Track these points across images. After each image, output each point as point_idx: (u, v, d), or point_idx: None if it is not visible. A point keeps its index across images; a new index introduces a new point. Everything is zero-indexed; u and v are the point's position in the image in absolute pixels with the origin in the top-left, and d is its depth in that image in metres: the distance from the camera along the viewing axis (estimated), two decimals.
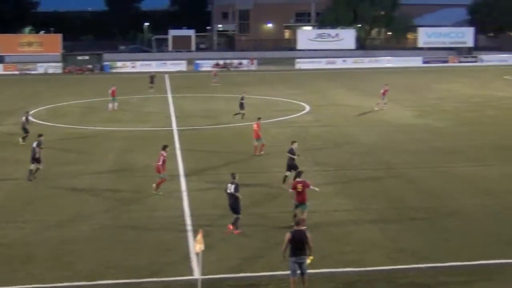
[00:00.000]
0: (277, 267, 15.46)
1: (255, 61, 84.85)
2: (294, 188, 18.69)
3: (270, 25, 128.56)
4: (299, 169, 20.29)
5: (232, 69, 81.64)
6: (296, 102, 47.23)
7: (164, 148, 23.11)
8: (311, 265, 14.74)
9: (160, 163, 22.52)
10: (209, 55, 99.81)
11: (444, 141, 32.00)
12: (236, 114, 38.95)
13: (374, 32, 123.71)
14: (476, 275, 15.40)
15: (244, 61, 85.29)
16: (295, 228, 14.62)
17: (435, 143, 31.63)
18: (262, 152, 28.99)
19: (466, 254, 16.62)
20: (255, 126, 29.18)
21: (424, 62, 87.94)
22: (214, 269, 15.71)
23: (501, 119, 39.06)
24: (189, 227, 18.96)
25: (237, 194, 18.40)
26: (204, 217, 19.90)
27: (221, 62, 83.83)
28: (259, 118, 30.20)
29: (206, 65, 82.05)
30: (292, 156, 23.55)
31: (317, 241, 16.61)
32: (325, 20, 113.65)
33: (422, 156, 28.54)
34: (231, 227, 18.47)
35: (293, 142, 24.11)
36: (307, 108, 44.21)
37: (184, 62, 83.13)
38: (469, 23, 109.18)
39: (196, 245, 14.85)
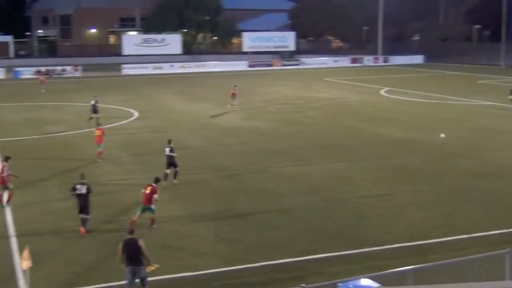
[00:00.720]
0: (112, 278, 15.14)
1: (79, 68, 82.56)
2: (145, 189, 19.13)
3: (93, 30, 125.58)
4: (157, 176, 20.38)
5: (55, 76, 78.79)
6: (125, 108, 46.57)
7: (6, 159, 22.22)
8: (149, 273, 14.60)
9: (5, 174, 21.51)
10: (30, 62, 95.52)
11: (270, 142, 33.10)
12: (90, 118, 38.25)
13: (200, 37, 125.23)
14: (306, 270, 16.07)
15: (68, 68, 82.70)
16: (127, 236, 14.42)
17: (262, 144, 32.64)
18: (99, 160, 28.55)
19: (295, 250, 17.30)
20: (98, 132, 29.03)
21: (250, 66, 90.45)
22: (43, 286, 15.05)
23: (322, 119, 41.13)
24: (14, 244, 18.02)
25: (89, 194, 18.87)
26: (30, 232, 19.01)
27: (43, 69, 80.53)
28: (99, 124, 30.61)
29: (27, 73, 78.47)
30: (172, 154, 24.64)
31: (152, 249, 16.48)
32: (150, 25, 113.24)
33: (250, 158, 29.31)
34: (84, 230, 18.56)
35: (169, 140, 25.11)
36: (136, 114, 43.77)
37: (2, 69, 78.90)
38: (291, 28, 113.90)
39: (22, 262, 14.16)
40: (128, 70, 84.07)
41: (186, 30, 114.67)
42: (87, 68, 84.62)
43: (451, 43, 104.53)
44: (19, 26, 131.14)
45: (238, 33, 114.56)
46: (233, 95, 45.54)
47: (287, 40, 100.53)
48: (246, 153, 30.42)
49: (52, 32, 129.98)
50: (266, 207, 21.39)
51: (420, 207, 21.25)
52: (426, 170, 26.42)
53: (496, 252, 13.34)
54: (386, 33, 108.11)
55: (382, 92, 56.58)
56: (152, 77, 77.26)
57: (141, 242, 14.30)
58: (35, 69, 79.98)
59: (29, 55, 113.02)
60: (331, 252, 17.09)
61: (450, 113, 42.66)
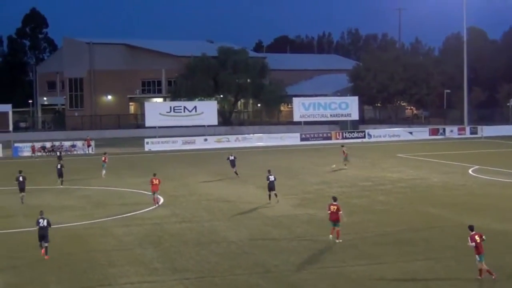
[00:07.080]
0: None
1: (92, 143, 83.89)
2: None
3: (109, 97, 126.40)
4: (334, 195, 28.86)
5: (62, 153, 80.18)
6: (147, 192, 46.85)
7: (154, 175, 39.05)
8: None
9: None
10: (32, 136, 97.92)
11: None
12: (235, 172, 54.05)
13: (240, 104, 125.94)
14: None
15: (78, 143, 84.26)
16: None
17: (320, 237, 32.28)
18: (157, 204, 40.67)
19: None
20: (156, 181, 41.75)
21: (302, 140, 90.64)
22: None
23: (395, 205, 40.67)
24: None
25: (49, 227, 29.16)
26: None
27: (48, 144, 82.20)
28: (155, 174, 42.53)
29: (29, 149, 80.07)
30: (274, 181, 40.92)
31: None
32: (179, 91, 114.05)
33: (305, 255, 28.99)
34: (44, 252, 28.33)
35: (269, 170, 41.81)
36: (161, 199, 44.00)
37: None
38: (352, 92, 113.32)
39: None
40: (152, 145, 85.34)
41: (222, 96, 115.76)
42: (101, 143, 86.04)
43: None
44: (19, 93, 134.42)
45: (287, 99, 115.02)
46: (345, 154, 58.93)
47: (349, 107, 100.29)
48: (299, 249, 30.13)
49: (59, 100, 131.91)
50: None
51: None
52: None
53: None
54: (473, 98, 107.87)
55: (470, 171, 56.02)
56: (181, 153, 78.07)
57: None
58: (38, 144, 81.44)
59: (31, 128, 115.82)
60: None
61: None
